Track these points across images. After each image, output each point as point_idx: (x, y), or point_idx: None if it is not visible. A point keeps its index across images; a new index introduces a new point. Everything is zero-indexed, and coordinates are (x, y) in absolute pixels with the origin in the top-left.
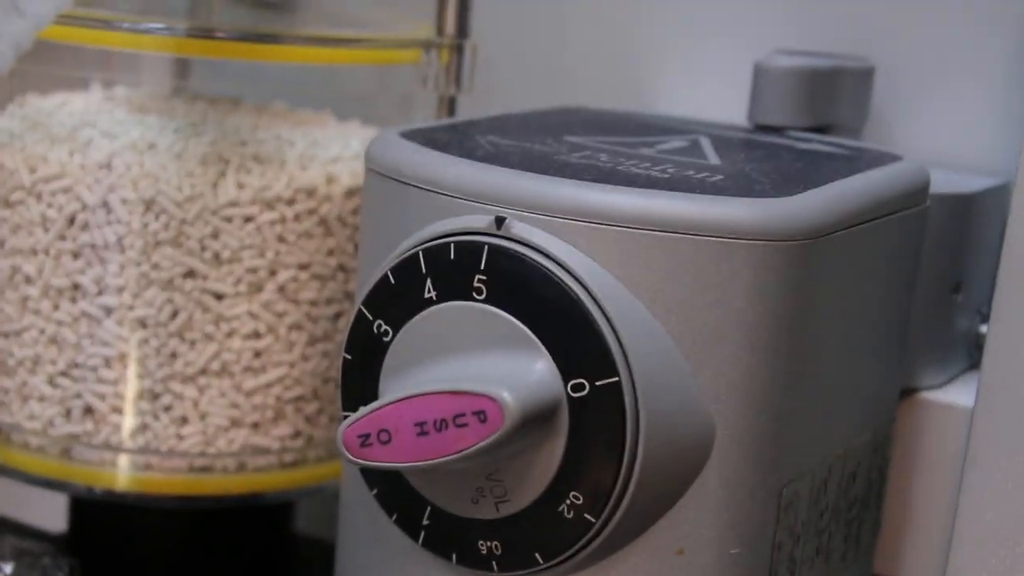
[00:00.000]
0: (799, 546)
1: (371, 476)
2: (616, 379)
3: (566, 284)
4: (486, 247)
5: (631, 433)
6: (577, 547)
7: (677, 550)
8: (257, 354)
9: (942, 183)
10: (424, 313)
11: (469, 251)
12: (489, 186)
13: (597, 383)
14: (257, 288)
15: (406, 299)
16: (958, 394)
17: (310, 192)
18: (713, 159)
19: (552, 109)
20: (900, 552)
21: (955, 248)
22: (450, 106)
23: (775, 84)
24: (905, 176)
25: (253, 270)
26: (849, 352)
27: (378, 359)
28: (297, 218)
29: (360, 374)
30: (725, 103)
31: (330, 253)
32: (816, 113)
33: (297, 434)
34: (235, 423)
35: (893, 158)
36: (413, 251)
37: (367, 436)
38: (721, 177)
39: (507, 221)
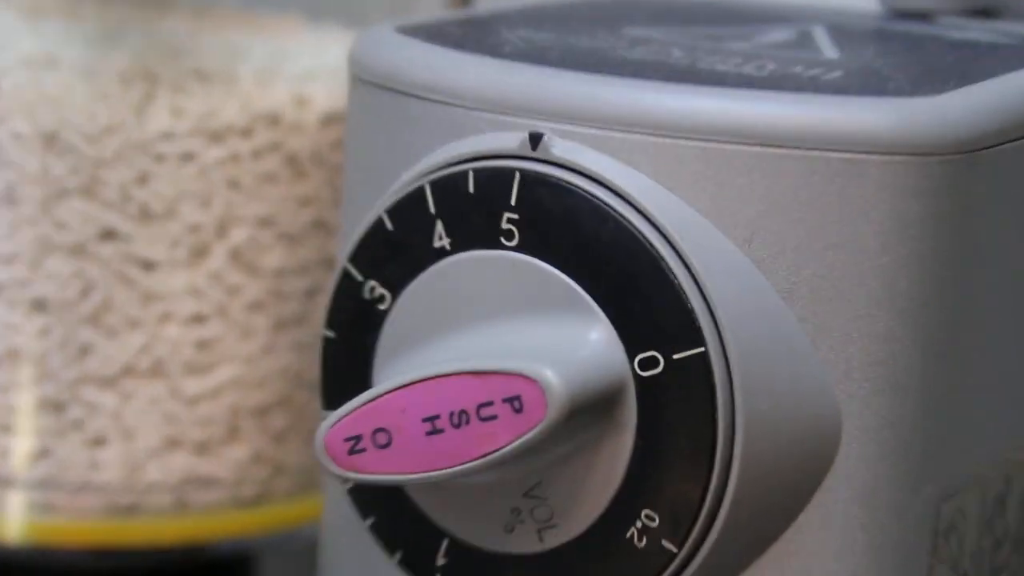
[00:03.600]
0: None
1: (364, 499)
2: (702, 350)
3: (628, 222)
4: (518, 174)
5: (724, 426)
6: None
7: None
8: (202, 346)
9: None
10: (434, 268)
11: (495, 181)
12: (519, 90)
13: (675, 356)
14: (201, 253)
15: (408, 251)
16: None
17: (273, 119)
18: (830, 52)
19: None
20: None
21: None
22: None
23: None
24: None
25: (195, 228)
26: (1020, 317)
27: (371, 334)
28: (256, 155)
29: (347, 356)
30: None
31: (302, 203)
32: None
33: (258, 458)
34: (172, 444)
35: None
36: (417, 185)
37: (358, 438)
38: (840, 73)
39: (545, 138)
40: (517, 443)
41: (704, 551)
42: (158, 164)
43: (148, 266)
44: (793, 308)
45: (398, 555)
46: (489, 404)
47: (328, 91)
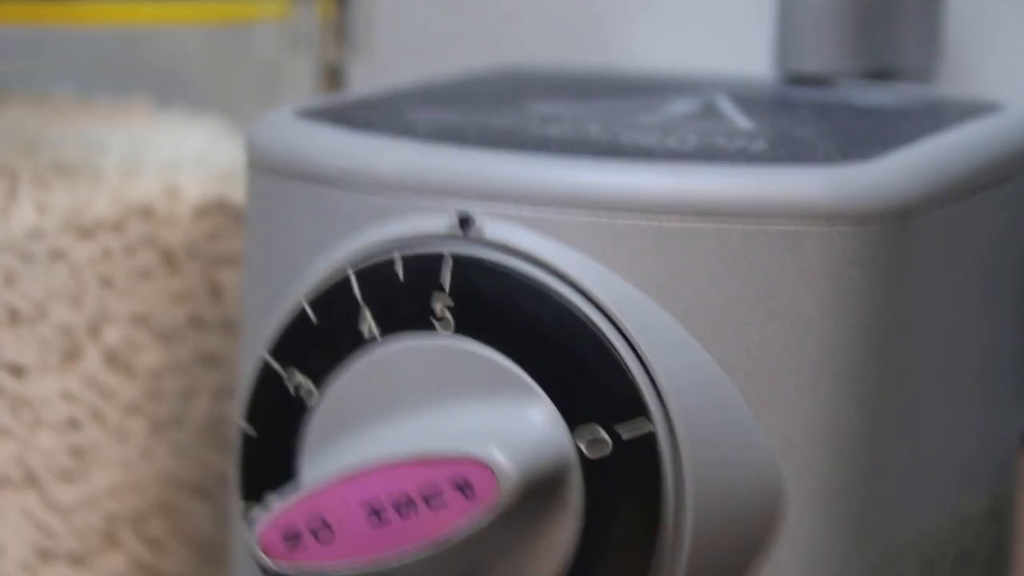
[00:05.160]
0: None
1: None
2: (650, 429)
3: (569, 301)
4: (449, 259)
5: (673, 503)
6: None
7: None
8: (76, 453)
9: None
10: (364, 359)
11: (425, 265)
12: (446, 172)
13: (622, 435)
14: (73, 356)
15: (334, 342)
16: None
17: (145, 212)
18: (743, 122)
19: (491, 71)
20: None
21: None
22: (335, 79)
23: (811, 16)
24: (1014, 129)
25: (67, 330)
26: (957, 380)
27: (297, 430)
28: (128, 251)
29: (270, 451)
30: (733, 50)
31: (176, 299)
32: (871, 54)
33: (138, 568)
34: (46, 556)
35: (989, 107)
36: (340, 273)
37: (297, 534)
38: (765, 143)
39: (477, 220)
40: (467, 528)
41: None
42: (25, 263)
43: (17, 371)
44: (736, 381)
45: None
46: (437, 491)
47: (197, 181)
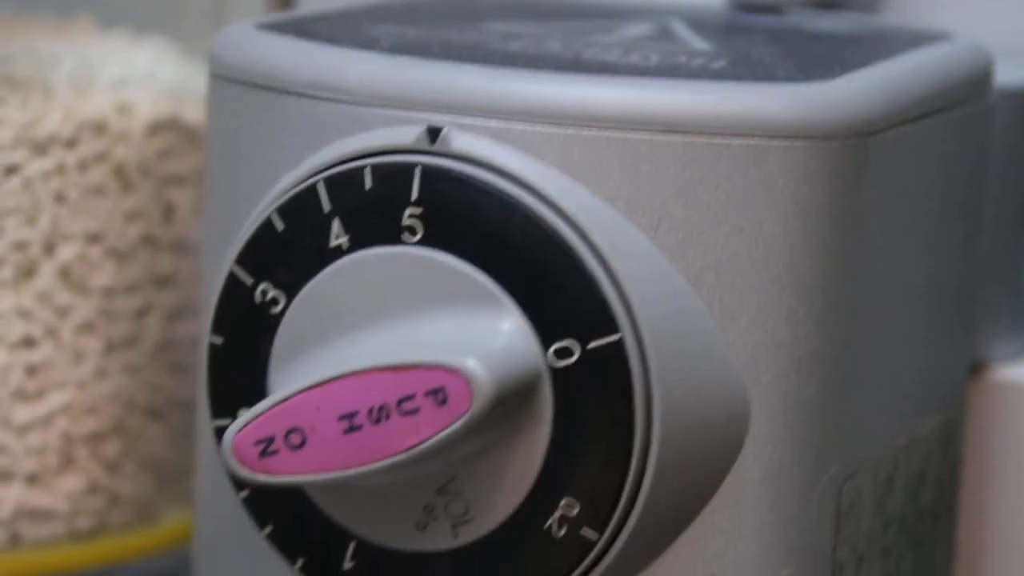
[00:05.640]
0: (863, 568)
1: (262, 507)
2: (617, 337)
3: (536, 212)
4: (419, 169)
5: (642, 412)
6: None
7: None
8: (31, 371)
9: (1004, 74)
10: (331, 268)
11: (394, 176)
12: (415, 84)
13: (590, 345)
14: (28, 272)
15: (302, 251)
16: None
17: (98, 127)
18: (700, 43)
19: None
20: None
21: None
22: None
23: None
24: (964, 58)
25: (21, 245)
26: (911, 303)
27: (265, 338)
28: (82, 166)
29: (238, 362)
30: None
31: (130, 218)
32: None
33: (94, 489)
34: (3, 476)
35: (938, 36)
36: (309, 183)
37: (270, 440)
38: (725, 62)
39: (444, 131)
40: (442, 435)
41: (623, 538)
42: None
43: None
44: (700, 294)
45: (300, 562)
46: (411, 398)
47: (149, 99)
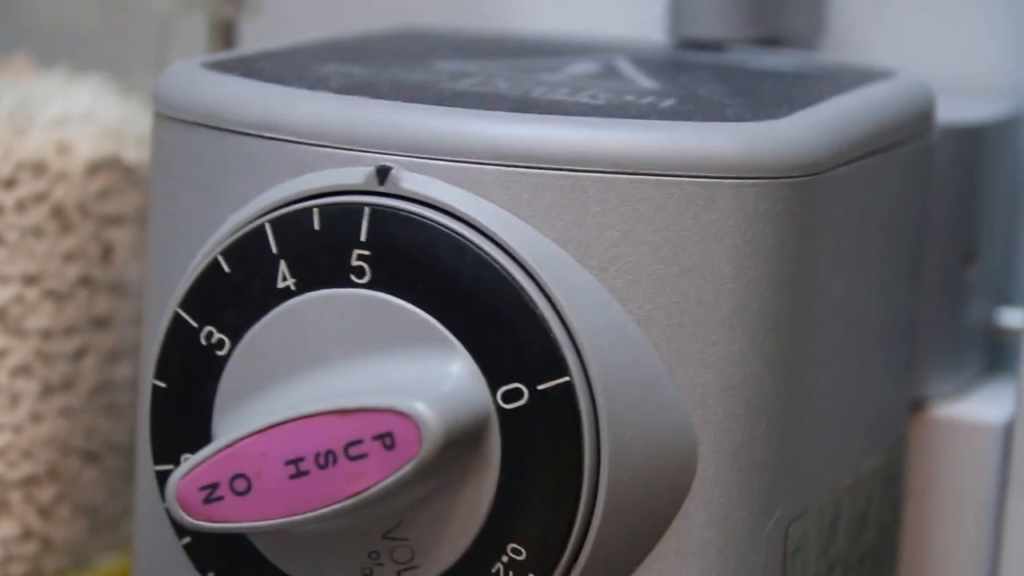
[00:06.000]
0: None
1: (203, 553)
2: (567, 379)
3: (486, 253)
4: (367, 209)
5: (590, 454)
6: None
7: None
8: None
9: (943, 111)
10: (278, 310)
11: (343, 217)
12: (364, 124)
13: (540, 387)
14: None
15: (249, 293)
16: (979, 407)
17: (36, 167)
18: (647, 82)
19: (392, 31)
20: None
21: (965, 201)
22: (227, 38)
23: None
24: (908, 96)
25: None
26: (857, 342)
27: (209, 383)
28: (20, 207)
29: (181, 406)
30: (624, 17)
31: (68, 258)
32: (759, 22)
33: (27, 535)
34: None
35: (882, 74)
36: (256, 224)
37: (214, 486)
38: (674, 101)
39: (393, 171)
40: (389, 480)
41: None
42: None
43: None
44: (650, 336)
45: None
46: (358, 442)
47: (89, 138)
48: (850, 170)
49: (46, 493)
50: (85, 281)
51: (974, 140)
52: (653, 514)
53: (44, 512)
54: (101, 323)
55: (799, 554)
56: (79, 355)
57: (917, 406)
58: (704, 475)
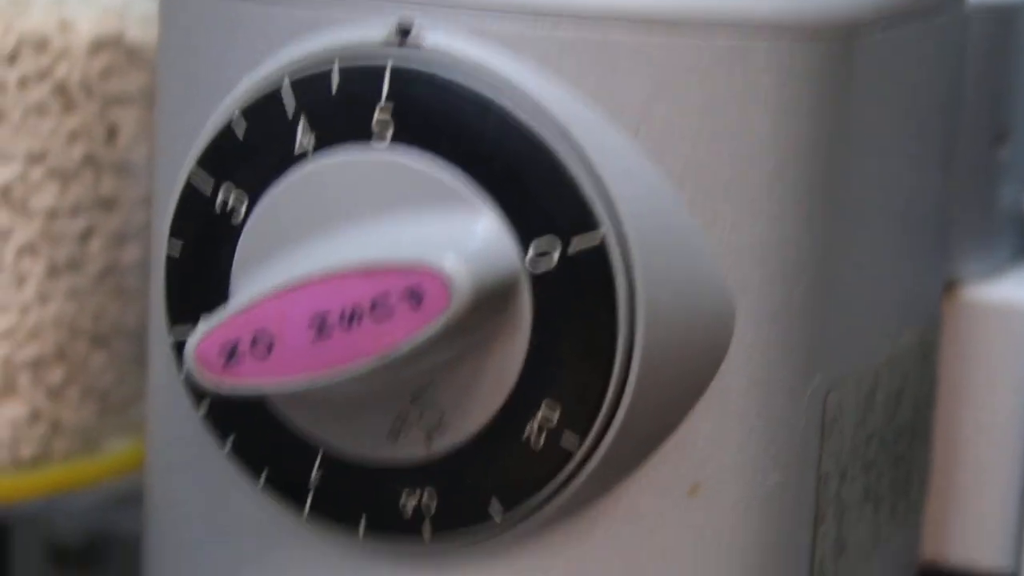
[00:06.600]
0: (846, 483)
1: (223, 421)
2: (599, 238)
3: (515, 112)
4: (389, 67)
5: (625, 314)
6: (552, 487)
7: (691, 487)
8: None
9: None
10: (297, 172)
11: (362, 75)
12: None
13: (571, 247)
14: None
15: (266, 155)
16: (1012, 289)
17: (39, 44)
18: None
19: None
20: (951, 523)
21: (997, 82)
22: None
23: None
24: None
25: None
26: (892, 215)
27: (226, 248)
28: (23, 84)
29: (197, 274)
30: None
31: (72, 137)
32: None
33: (36, 417)
34: None
35: None
36: (273, 85)
37: (235, 347)
38: None
39: (416, 27)
40: (416, 338)
41: (604, 445)
42: None
43: None
44: (684, 195)
45: (264, 477)
46: (384, 300)
47: (92, 16)
48: (886, 36)
49: (54, 375)
50: (90, 161)
51: (1006, 18)
52: (690, 376)
53: (53, 394)
54: (107, 204)
55: (837, 423)
56: (85, 236)
57: (949, 288)
58: (742, 337)
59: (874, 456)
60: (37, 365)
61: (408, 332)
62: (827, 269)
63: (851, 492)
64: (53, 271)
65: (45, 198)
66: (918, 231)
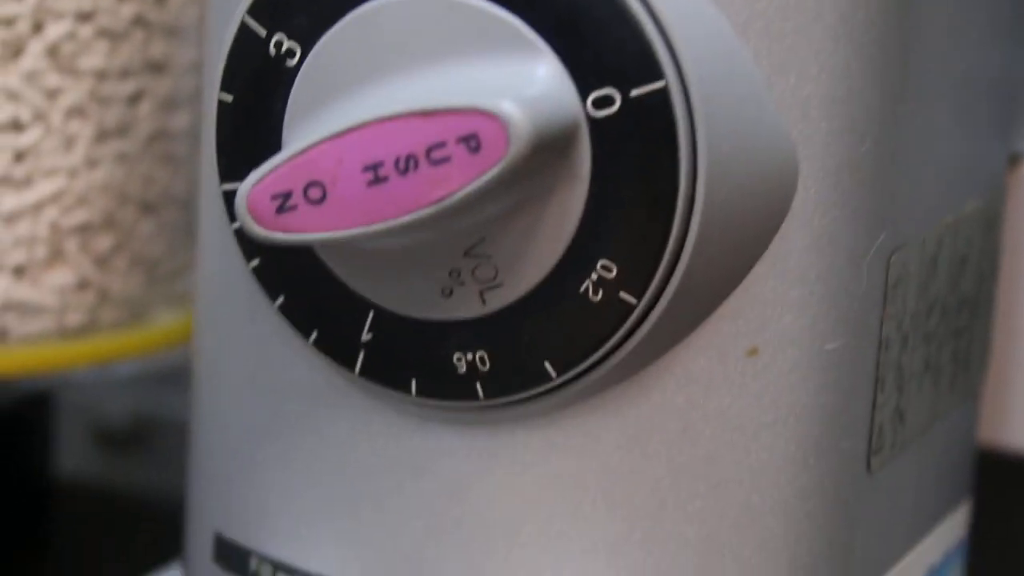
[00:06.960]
0: (907, 351)
1: (274, 277)
2: (661, 84)
3: None
4: None
5: (686, 167)
6: (608, 346)
7: (749, 349)
8: (18, 156)
9: None
10: (352, 15)
11: None
12: None
13: (632, 94)
14: (15, 51)
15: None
16: None
17: None
18: None
19: None
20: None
21: None
22: None
23: None
24: None
25: (8, 21)
26: (956, 80)
27: (279, 95)
28: None
29: (249, 122)
30: None
31: None
32: None
33: (84, 284)
34: None
35: None
36: None
37: (288, 195)
38: None
39: None
40: (474, 185)
41: (663, 303)
42: None
43: None
44: (749, 44)
45: (315, 335)
46: (441, 145)
47: None
48: None
49: (102, 243)
50: (140, 22)
51: None
52: (751, 233)
53: (101, 262)
54: (157, 67)
55: (899, 287)
56: (135, 99)
57: (1014, 161)
58: (805, 194)
59: (935, 326)
60: (85, 231)
61: (465, 179)
62: (894, 126)
63: (912, 361)
64: (102, 135)
65: (94, 58)
66: (982, 100)
